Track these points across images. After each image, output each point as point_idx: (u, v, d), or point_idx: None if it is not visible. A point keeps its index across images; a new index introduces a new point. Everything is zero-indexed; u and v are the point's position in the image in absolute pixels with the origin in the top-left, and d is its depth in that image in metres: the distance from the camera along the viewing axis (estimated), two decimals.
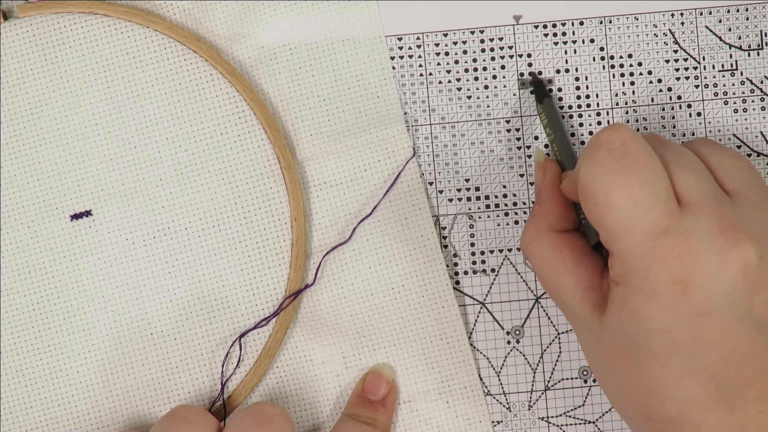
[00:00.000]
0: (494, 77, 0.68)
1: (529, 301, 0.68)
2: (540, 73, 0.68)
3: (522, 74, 0.67)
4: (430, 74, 0.68)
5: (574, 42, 0.68)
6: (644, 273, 0.55)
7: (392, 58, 0.67)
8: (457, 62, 0.68)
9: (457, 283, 0.68)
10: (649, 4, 0.68)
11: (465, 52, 0.68)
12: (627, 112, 0.68)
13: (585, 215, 0.58)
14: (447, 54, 0.68)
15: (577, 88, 0.68)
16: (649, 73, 0.68)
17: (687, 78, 0.68)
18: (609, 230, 0.56)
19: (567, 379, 0.68)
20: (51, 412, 0.66)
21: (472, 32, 0.68)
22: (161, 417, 0.63)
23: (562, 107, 0.68)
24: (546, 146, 0.67)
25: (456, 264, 0.68)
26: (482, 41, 0.68)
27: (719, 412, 0.55)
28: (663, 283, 0.55)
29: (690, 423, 0.55)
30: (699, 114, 0.68)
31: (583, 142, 0.68)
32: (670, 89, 0.68)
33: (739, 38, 0.68)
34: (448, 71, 0.68)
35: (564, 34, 0.68)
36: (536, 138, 0.68)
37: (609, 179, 0.56)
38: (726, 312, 0.55)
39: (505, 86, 0.68)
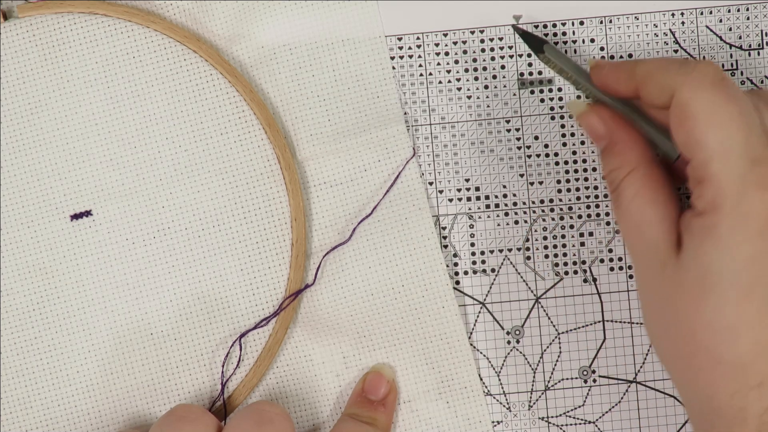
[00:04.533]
0: (494, 77, 0.68)
1: (529, 301, 0.68)
2: (540, 72, 0.67)
3: (513, 27, 0.66)
4: (430, 74, 0.68)
5: (574, 42, 0.68)
6: (738, 197, 0.56)
7: (392, 58, 0.67)
8: (457, 62, 0.68)
9: (457, 283, 0.68)
10: (650, 4, 0.67)
11: (465, 52, 0.68)
12: None
13: (677, 139, 0.58)
14: (447, 54, 0.68)
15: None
16: None
17: None
18: (709, 151, 0.56)
19: (567, 379, 0.68)
20: (51, 412, 0.66)
21: (472, 32, 0.68)
22: (161, 416, 0.63)
23: (561, 107, 0.68)
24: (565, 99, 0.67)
25: (456, 264, 0.68)
26: (482, 41, 0.68)
27: None
28: (756, 209, 0.55)
29: (757, 371, 0.55)
30: None
31: (583, 142, 0.68)
32: None
33: (740, 38, 0.68)
34: (448, 71, 0.68)
35: (564, 33, 0.68)
36: (536, 138, 0.68)
37: (713, 102, 0.57)
38: None
39: (505, 86, 0.68)
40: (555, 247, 0.68)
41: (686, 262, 0.57)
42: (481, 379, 0.67)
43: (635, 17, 0.68)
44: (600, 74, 0.62)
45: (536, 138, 0.68)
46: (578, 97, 0.67)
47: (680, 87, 0.58)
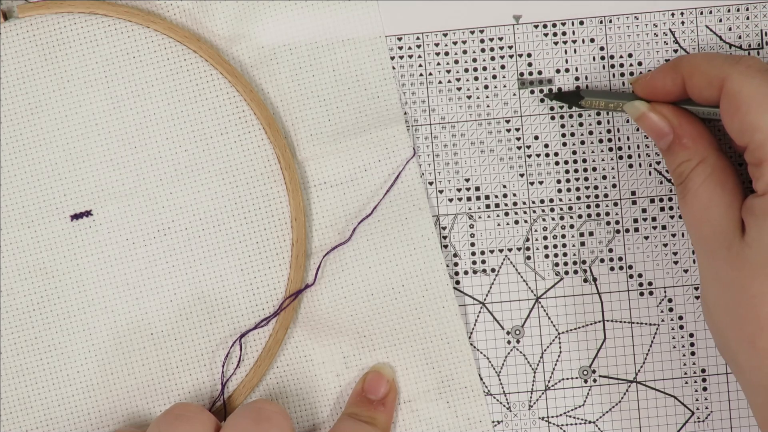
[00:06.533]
0: (494, 77, 0.68)
1: (529, 301, 0.68)
2: (540, 72, 0.67)
3: (543, 96, 0.67)
4: (430, 74, 0.68)
5: (574, 42, 0.68)
6: None
7: (392, 58, 0.67)
8: (457, 62, 0.68)
9: (457, 283, 0.68)
10: (649, 4, 0.67)
11: (465, 52, 0.68)
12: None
13: (730, 127, 0.60)
14: (447, 54, 0.68)
15: (577, 88, 0.68)
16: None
17: None
18: (765, 132, 0.59)
19: (567, 379, 0.68)
20: (51, 412, 0.66)
21: (472, 32, 0.68)
22: (159, 415, 0.63)
23: (561, 107, 0.68)
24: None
25: (456, 264, 0.68)
26: (482, 41, 0.68)
27: None
28: None
29: None
30: None
31: (583, 142, 0.68)
32: None
33: (740, 37, 0.68)
34: (448, 71, 0.68)
35: (564, 33, 0.68)
36: (536, 138, 0.68)
37: (764, 87, 0.59)
38: None
39: (505, 86, 0.68)
40: (555, 247, 0.68)
41: (750, 242, 0.59)
42: (482, 379, 0.67)
43: (635, 17, 0.68)
44: (643, 82, 0.64)
45: (536, 138, 0.68)
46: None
47: (729, 76, 0.60)
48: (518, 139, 0.68)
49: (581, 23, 0.68)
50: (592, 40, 0.68)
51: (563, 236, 0.68)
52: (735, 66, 0.60)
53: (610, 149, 0.68)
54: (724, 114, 0.61)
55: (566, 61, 0.68)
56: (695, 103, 0.64)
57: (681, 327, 0.68)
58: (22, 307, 0.66)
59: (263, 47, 0.67)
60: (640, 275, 0.68)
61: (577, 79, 0.67)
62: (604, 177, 0.68)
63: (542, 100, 0.67)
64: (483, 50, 0.68)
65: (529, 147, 0.68)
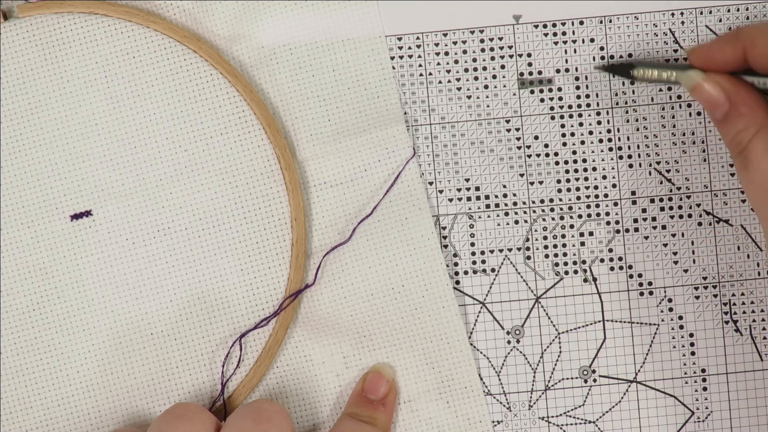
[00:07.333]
0: (494, 77, 0.68)
1: (529, 301, 0.68)
2: (540, 72, 0.68)
3: (595, 67, 0.67)
4: (430, 74, 0.68)
5: (574, 42, 0.68)
6: None
7: (392, 58, 0.67)
8: (457, 62, 0.68)
9: (457, 283, 0.68)
10: (649, 4, 0.67)
11: (465, 52, 0.68)
12: (627, 112, 0.68)
13: None
14: (447, 54, 0.68)
15: (577, 87, 0.68)
16: None
17: None
18: None
19: (567, 379, 0.68)
20: (51, 412, 0.66)
21: (472, 32, 0.68)
22: (160, 414, 0.63)
23: (561, 107, 0.68)
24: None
25: (456, 264, 0.68)
26: (482, 41, 0.68)
27: None
28: None
29: None
30: (699, 114, 0.68)
31: (583, 142, 0.68)
32: (670, 89, 0.68)
33: None
34: (448, 71, 0.68)
35: (564, 33, 0.68)
36: (536, 138, 0.68)
37: None
38: None
39: (505, 86, 0.68)
40: (555, 247, 0.68)
41: None
42: (482, 379, 0.67)
43: (635, 17, 0.68)
44: (700, 52, 0.63)
45: (536, 138, 0.68)
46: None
47: None
48: (518, 139, 0.68)
49: (581, 23, 0.68)
50: (592, 40, 0.68)
51: (563, 236, 0.68)
52: None
53: (610, 149, 0.68)
54: None
55: (566, 61, 0.68)
56: (754, 74, 0.63)
57: (681, 327, 0.68)
58: (22, 307, 0.66)
59: (263, 47, 0.67)
60: (640, 275, 0.68)
61: (577, 79, 0.67)
62: (604, 177, 0.68)
63: (541, 91, 0.67)
64: (483, 50, 0.68)
65: (529, 147, 0.68)
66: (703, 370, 0.68)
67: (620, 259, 0.68)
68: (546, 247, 0.68)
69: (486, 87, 0.68)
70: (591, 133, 0.68)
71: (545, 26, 0.68)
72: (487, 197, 0.68)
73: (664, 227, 0.68)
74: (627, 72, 0.65)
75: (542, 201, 0.68)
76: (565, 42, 0.68)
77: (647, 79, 0.65)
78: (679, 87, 0.67)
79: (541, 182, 0.68)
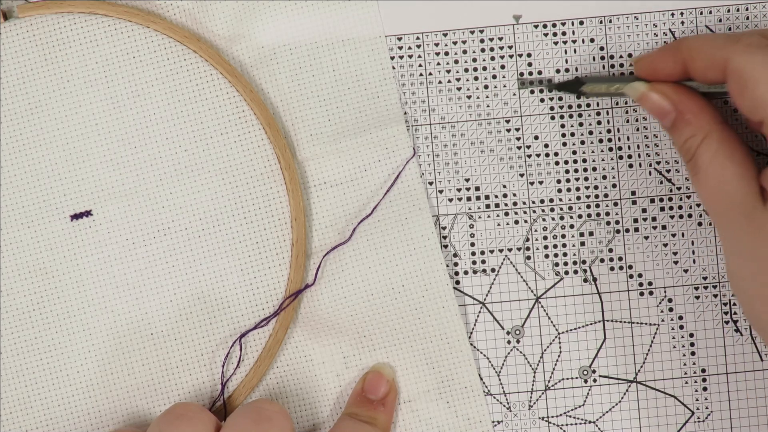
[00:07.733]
0: (494, 77, 0.68)
1: (529, 301, 0.68)
2: (540, 72, 0.68)
3: (543, 87, 0.67)
4: (430, 74, 0.68)
5: (574, 42, 0.68)
6: None
7: (392, 58, 0.67)
8: (457, 62, 0.68)
9: (457, 283, 0.68)
10: (649, 4, 0.68)
11: (465, 52, 0.68)
12: (627, 112, 0.68)
13: (742, 105, 0.60)
14: (447, 54, 0.68)
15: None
16: None
17: None
18: None
19: (567, 379, 0.68)
20: (51, 412, 0.66)
21: (472, 32, 0.68)
22: (160, 414, 0.63)
23: (561, 107, 0.68)
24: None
25: (456, 264, 0.68)
26: (482, 41, 0.68)
27: None
28: None
29: None
30: None
31: (583, 142, 0.68)
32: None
33: None
34: (448, 71, 0.68)
35: (564, 33, 0.68)
36: (536, 138, 0.68)
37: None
38: None
39: (505, 86, 0.68)
40: (555, 247, 0.68)
41: None
42: (482, 379, 0.67)
43: (635, 17, 0.68)
44: (644, 63, 0.64)
45: (536, 138, 0.68)
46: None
47: (732, 56, 0.60)
48: (518, 139, 0.68)
49: (581, 23, 0.68)
50: (592, 40, 0.68)
51: (563, 236, 0.68)
52: (736, 45, 0.60)
53: (610, 149, 0.68)
54: (733, 94, 0.60)
55: (566, 61, 0.68)
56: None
57: (681, 327, 0.68)
58: (22, 307, 0.66)
59: (263, 47, 0.67)
60: (640, 275, 0.68)
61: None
62: (604, 177, 0.68)
63: (542, 91, 0.67)
64: (483, 50, 0.68)
65: (529, 147, 0.68)
66: (703, 370, 0.68)
67: (620, 259, 0.68)
68: (546, 247, 0.68)
69: (486, 87, 0.68)
70: (591, 133, 0.68)
71: (545, 26, 0.68)
72: (487, 197, 0.68)
73: (664, 227, 0.68)
74: (576, 89, 0.66)
75: (542, 201, 0.68)
76: (565, 42, 0.68)
77: (596, 93, 0.65)
78: (628, 99, 0.68)
79: (541, 182, 0.68)
